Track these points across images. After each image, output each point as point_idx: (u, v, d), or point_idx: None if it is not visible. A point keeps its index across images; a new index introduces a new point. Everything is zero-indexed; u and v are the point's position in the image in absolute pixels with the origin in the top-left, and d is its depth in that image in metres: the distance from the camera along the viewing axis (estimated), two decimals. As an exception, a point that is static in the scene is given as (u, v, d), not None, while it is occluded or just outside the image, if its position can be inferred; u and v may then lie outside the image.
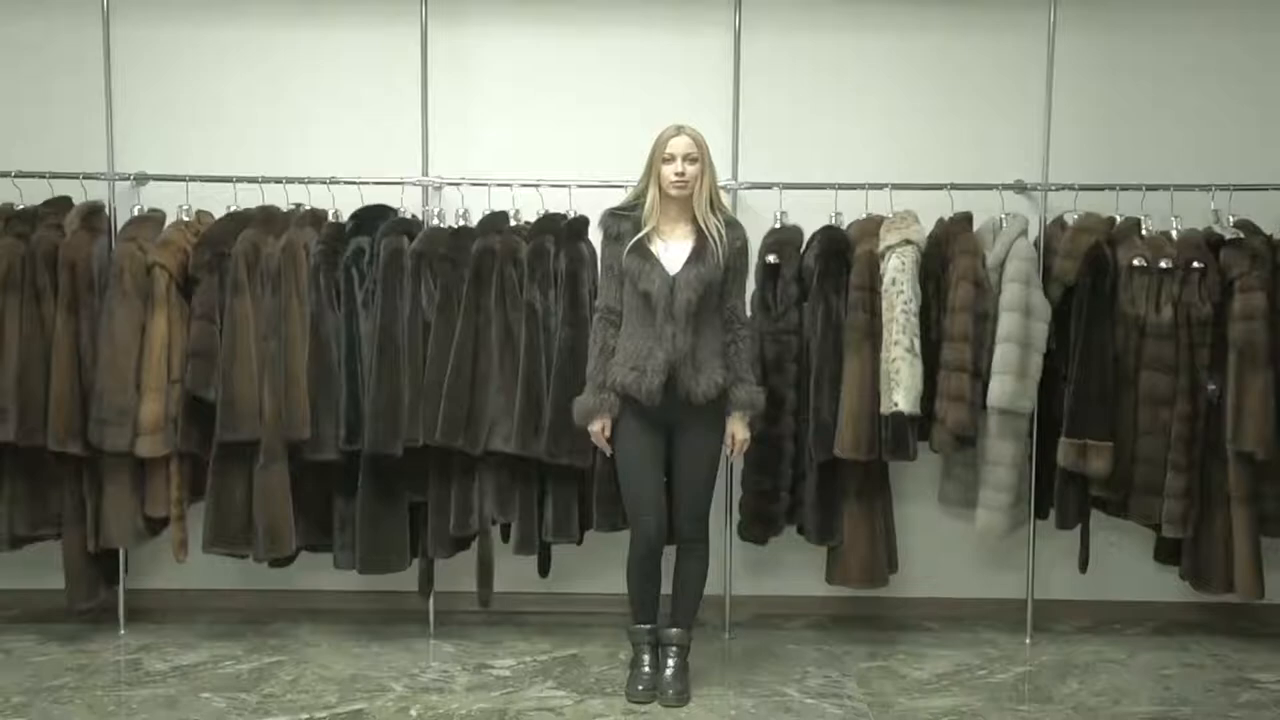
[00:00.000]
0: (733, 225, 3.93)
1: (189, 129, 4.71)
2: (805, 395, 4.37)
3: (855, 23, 4.76)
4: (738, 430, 3.96)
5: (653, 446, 3.90)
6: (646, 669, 4.01)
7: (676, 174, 3.83)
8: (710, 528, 4.06)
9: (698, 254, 3.84)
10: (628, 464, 3.93)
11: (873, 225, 4.42)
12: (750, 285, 4.44)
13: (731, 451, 4.00)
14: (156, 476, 4.33)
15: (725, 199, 4.58)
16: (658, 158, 3.86)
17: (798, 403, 4.39)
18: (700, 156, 3.85)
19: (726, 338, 3.92)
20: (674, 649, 4.03)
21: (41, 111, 4.71)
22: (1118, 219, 4.49)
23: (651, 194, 3.87)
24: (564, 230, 4.35)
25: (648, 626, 4.04)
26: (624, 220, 3.91)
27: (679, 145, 3.84)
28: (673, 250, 3.86)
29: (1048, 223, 4.55)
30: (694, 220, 3.87)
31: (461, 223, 4.48)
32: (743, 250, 3.96)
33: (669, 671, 3.99)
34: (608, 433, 3.92)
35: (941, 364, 4.27)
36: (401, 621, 4.67)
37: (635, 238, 3.84)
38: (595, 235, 4.20)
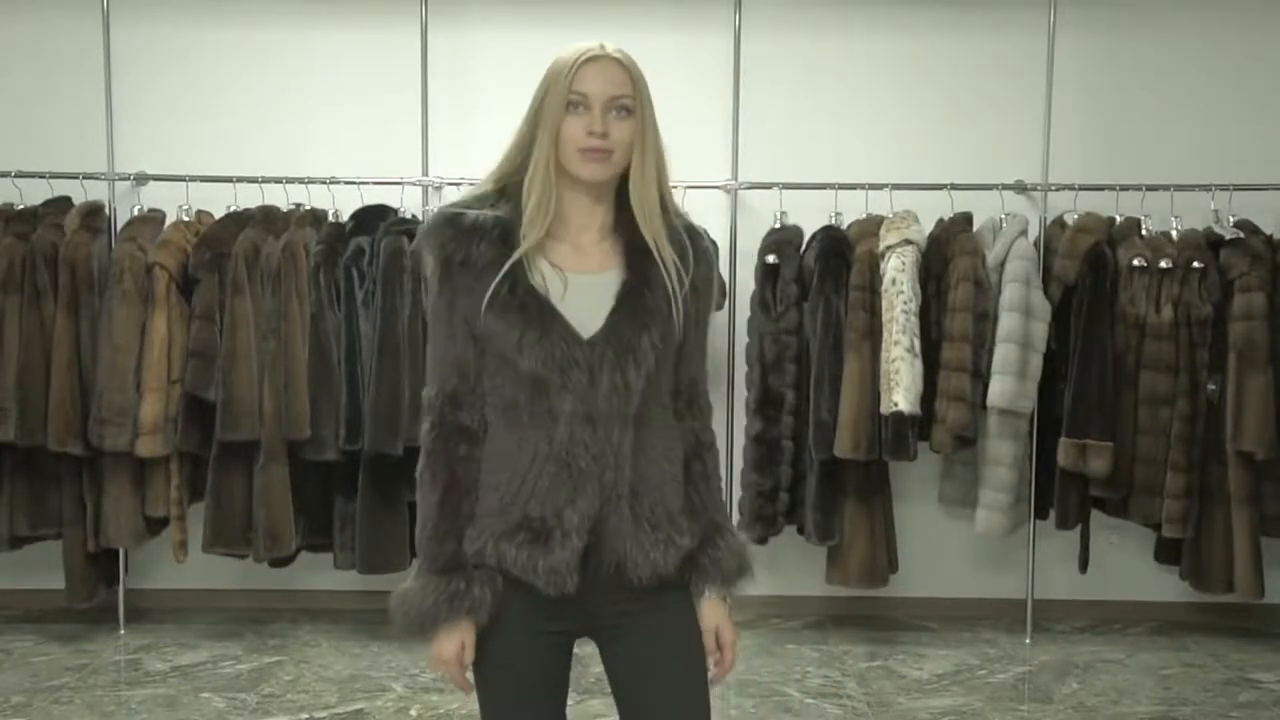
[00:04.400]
0: (694, 234, 2.10)
1: (189, 129, 4.70)
2: (805, 395, 4.37)
3: (855, 23, 4.75)
4: (723, 625, 2.16)
5: (549, 673, 2.11)
6: None
7: (594, 136, 1.98)
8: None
9: (634, 291, 2.00)
10: (494, 705, 2.09)
11: (873, 225, 4.42)
12: (750, 285, 4.45)
13: (718, 662, 2.17)
14: (156, 476, 4.33)
15: (724, 200, 4.60)
16: (554, 102, 1.99)
17: (797, 403, 4.38)
18: (636, 103, 2.01)
19: (687, 442, 2.10)
20: None
21: (41, 111, 4.71)
22: (1118, 219, 4.49)
23: (537, 172, 2.01)
24: (564, 230, 4.34)
25: None
26: (478, 231, 2.00)
27: (598, 79, 1.99)
28: (583, 284, 2.01)
29: (1048, 223, 4.55)
30: (619, 223, 2.04)
31: (461, 223, 4.47)
32: (708, 277, 2.09)
33: None
34: (470, 657, 2.05)
35: (941, 364, 4.27)
36: (401, 621, 4.67)
37: (507, 264, 1.98)
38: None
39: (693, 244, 2.06)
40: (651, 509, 2.01)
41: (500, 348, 1.97)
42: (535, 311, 1.95)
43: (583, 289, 1.99)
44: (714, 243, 2.17)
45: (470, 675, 2.07)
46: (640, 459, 2.00)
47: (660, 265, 2.00)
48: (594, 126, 1.97)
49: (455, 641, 2.02)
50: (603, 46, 2.02)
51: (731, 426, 4.57)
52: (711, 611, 2.13)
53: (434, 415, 2.05)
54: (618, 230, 2.04)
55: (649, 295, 1.99)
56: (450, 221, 2.02)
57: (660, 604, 2.06)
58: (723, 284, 4.36)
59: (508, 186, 2.05)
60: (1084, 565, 4.60)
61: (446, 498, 2.06)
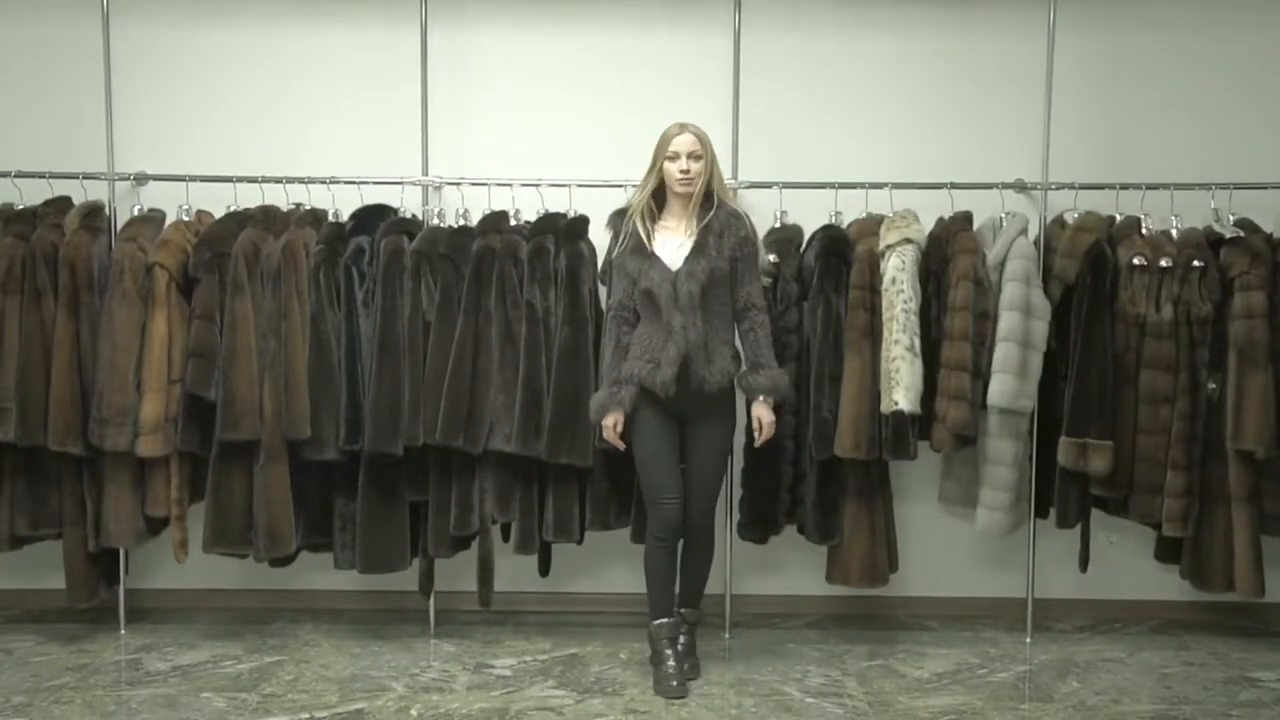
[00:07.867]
0: (736, 216, 4.01)
1: (189, 129, 4.71)
2: (805, 394, 4.37)
3: (855, 23, 4.76)
4: (763, 414, 4.05)
5: (670, 435, 4.00)
6: (672, 664, 4.05)
7: (682, 171, 3.94)
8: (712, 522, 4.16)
9: (700, 247, 3.93)
10: (646, 453, 4.00)
11: (873, 224, 4.42)
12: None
13: (759, 434, 4.07)
14: (156, 476, 4.33)
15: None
16: (661, 155, 3.98)
17: (798, 402, 4.39)
18: (704, 153, 3.96)
19: (743, 326, 4.03)
20: (685, 626, 4.19)
21: (41, 111, 4.71)
22: (1117, 218, 4.49)
23: (645, 191, 4.00)
24: (564, 230, 4.35)
25: (668, 620, 4.09)
26: (622, 217, 4.08)
27: (683, 143, 3.95)
28: (673, 245, 3.97)
29: (1048, 222, 4.55)
30: (700, 215, 3.96)
31: (461, 222, 4.48)
32: (747, 239, 4.01)
33: (680, 648, 4.14)
34: (620, 428, 3.98)
35: (942, 363, 4.27)
36: (401, 621, 4.68)
37: (628, 235, 3.99)
38: (600, 236, 4.26)
39: (732, 219, 4.01)
40: (716, 354, 3.96)
41: (632, 278, 4.00)
42: (647, 259, 3.97)
43: (674, 245, 3.99)
44: (752, 224, 4.11)
45: (621, 441, 4.02)
46: (709, 330, 3.95)
47: (714, 234, 3.96)
48: (682, 167, 3.97)
49: (613, 418, 3.99)
50: (683, 127, 3.98)
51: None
52: (757, 406, 4.07)
53: (613, 313, 4.06)
54: (699, 218, 4.00)
55: (708, 248, 3.95)
56: (619, 215, 4.12)
57: (717, 405, 4.03)
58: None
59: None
60: (1084, 564, 4.60)
61: (616, 351, 4.02)
